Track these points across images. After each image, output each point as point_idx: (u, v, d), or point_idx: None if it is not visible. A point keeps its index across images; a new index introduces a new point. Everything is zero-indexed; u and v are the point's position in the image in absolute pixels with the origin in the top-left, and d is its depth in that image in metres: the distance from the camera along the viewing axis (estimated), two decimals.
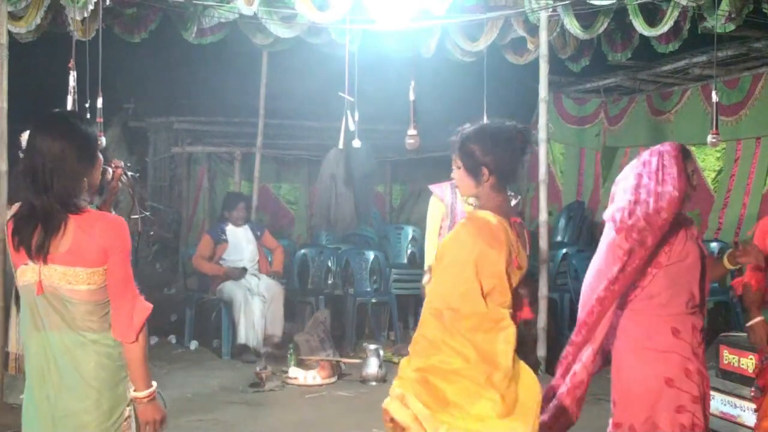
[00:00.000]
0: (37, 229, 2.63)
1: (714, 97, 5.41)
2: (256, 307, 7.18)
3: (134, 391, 2.72)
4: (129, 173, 3.78)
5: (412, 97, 5.83)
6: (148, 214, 4.07)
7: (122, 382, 2.74)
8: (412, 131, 5.87)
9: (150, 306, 2.74)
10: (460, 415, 2.81)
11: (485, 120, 3.33)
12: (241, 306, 7.14)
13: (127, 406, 2.75)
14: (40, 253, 2.63)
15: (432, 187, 5.24)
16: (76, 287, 2.65)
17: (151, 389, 2.74)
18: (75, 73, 5.08)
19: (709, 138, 5.13)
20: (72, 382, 2.67)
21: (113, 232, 2.68)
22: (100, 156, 2.83)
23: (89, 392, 2.67)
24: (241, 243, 7.60)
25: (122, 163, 3.77)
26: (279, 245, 7.95)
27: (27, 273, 2.69)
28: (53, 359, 2.68)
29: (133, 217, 3.94)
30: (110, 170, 3.68)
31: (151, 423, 2.74)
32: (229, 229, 7.63)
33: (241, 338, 7.18)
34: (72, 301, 2.66)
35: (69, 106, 5.04)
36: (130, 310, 2.68)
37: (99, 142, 2.89)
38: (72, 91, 5.03)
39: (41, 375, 2.70)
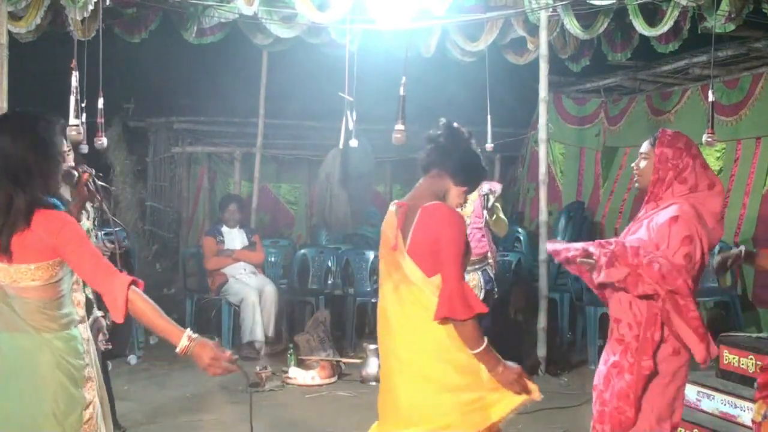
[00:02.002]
0: (4, 227, 2.57)
1: (710, 97, 5.40)
2: (257, 306, 7.27)
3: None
4: (99, 183, 3.60)
5: (402, 92, 5.75)
6: (118, 230, 3.80)
7: (80, 383, 2.69)
8: (399, 126, 5.75)
9: (129, 278, 2.59)
10: None
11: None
12: (254, 304, 7.23)
13: (86, 409, 2.70)
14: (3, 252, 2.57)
15: None
16: (22, 284, 2.59)
17: (183, 342, 2.55)
18: (77, 73, 5.07)
19: (704, 137, 5.12)
20: (25, 384, 2.61)
21: (56, 226, 2.58)
22: (60, 157, 2.75)
23: (44, 394, 2.62)
24: (235, 244, 7.66)
25: (92, 171, 3.60)
26: (262, 249, 7.91)
27: None
28: (3, 360, 2.61)
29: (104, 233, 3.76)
30: (76, 174, 3.52)
31: (205, 367, 2.57)
32: (225, 230, 7.72)
33: (247, 336, 7.27)
34: (23, 300, 2.60)
35: (72, 107, 5.03)
36: (111, 291, 2.56)
37: (55, 141, 2.72)
38: (74, 91, 5.01)
39: None
